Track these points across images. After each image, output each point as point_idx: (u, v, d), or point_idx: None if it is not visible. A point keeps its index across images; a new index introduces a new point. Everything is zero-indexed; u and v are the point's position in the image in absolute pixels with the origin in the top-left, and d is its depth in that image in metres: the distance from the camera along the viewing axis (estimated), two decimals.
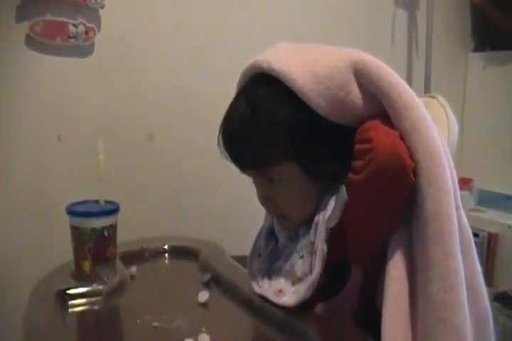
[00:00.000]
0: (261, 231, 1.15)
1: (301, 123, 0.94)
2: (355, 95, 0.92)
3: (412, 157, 0.85)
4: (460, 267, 0.86)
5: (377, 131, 0.85)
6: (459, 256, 0.86)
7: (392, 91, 0.88)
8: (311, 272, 0.96)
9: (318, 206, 0.99)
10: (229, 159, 1.03)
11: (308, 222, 1.00)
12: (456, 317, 0.84)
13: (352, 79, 0.91)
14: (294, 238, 1.04)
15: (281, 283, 1.01)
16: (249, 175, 1.03)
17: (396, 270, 0.88)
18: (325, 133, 0.94)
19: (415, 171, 0.85)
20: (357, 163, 0.85)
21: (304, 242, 1.00)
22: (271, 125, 0.94)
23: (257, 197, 1.05)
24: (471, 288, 0.89)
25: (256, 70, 0.99)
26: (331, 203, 0.96)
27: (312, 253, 0.96)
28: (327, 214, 0.95)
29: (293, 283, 0.99)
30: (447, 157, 0.90)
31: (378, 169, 0.82)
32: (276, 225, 1.11)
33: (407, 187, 0.85)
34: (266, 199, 1.02)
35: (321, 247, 0.95)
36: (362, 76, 0.91)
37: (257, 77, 0.99)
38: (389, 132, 0.85)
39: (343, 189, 0.92)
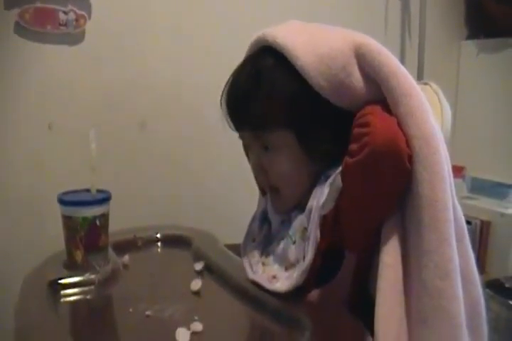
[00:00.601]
0: (255, 215, 1.15)
1: (303, 96, 0.95)
2: (356, 78, 0.92)
3: (408, 144, 0.84)
4: (455, 255, 0.85)
5: (375, 116, 0.85)
6: (454, 244, 0.86)
7: (391, 77, 0.88)
8: (303, 258, 0.96)
9: (312, 191, 0.99)
10: (229, 121, 1.05)
11: (301, 208, 1.00)
12: (451, 305, 0.84)
13: (353, 61, 0.92)
14: (287, 222, 1.04)
15: (274, 268, 1.01)
16: (245, 139, 1.04)
17: (389, 256, 0.88)
18: (325, 111, 0.95)
19: (411, 158, 0.84)
20: (353, 147, 0.85)
21: (296, 227, 1.00)
22: (274, 91, 0.96)
23: (251, 168, 1.06)
24: (464, 275, 0.89)
25: (262, 43, 1.00)
26: (325, 190, 0.96)
27: (305, 239, 0.96)
28: (321, 201, 0.95)
29: (286, 269, 0.99)
30: (443, 144, 0.89)
31: (373, 153, 0.82)
32: (269, 208, 1.11)
33: (403, 173, 0.85)
34: (259, 169, 1.03)
35: (314, 233, 0.95)
36: (363, 60, 0.91)
37: (265, 49, 0.99)
38: (386, 118, 0.85)
39: (338, 177, 0.92)
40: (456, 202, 0.92)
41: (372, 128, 0.83)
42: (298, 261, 0.97)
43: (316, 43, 0.94)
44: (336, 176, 0.94)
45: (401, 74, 0.89)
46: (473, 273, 0.93)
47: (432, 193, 0.84)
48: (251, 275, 1.03)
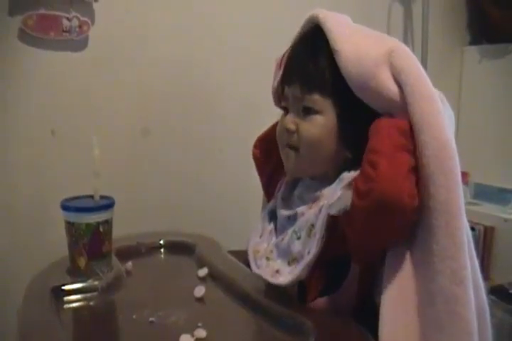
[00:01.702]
0: (264, 215, 1.17)
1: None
2: (381, 79, 0.95)
3: (421, 153, 0.87)
4: (468, 261, 0.86)
5: (386, 158, 0.87)
6: (467, 251, 0.86)
7: (413, 82, 0.92)
8: (308, 253, 0.96)
9: (325, 182, 1.02)
10: (283, 76, 1.09)
11: (309, 206, 1.02)
12: (467, 312, 0.85)
13: (384, 64, 0.96)
14: (293, 218, 1.06)
15: (277, 263, 1.03)
16: (288, 100, 1.06)
17: (396, 264, 0.88)
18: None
19: (417, 198, 0.86)
20: (359, 185, 0.88)
21: (303, 223, 1.01)
22: (328, 64, 0.99)
23: (281, 124, 1.08)
24: (472, 280, 0.90)
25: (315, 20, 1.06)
26: (338, 192, 0.96)
27: (311, 235, 0.97)
28: (331, 201, 0.95)
29: (289, 263, 1.01)
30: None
31: (377, 203, 0.84)
32: (278, 204, 1.12)
33: (407, 222, 0.87)
34: (290, 124, 1.04)
35: (321, 231, 0.96)
36: (392, 63, 0.95)
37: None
38: (397, 162, 0.87)
39: (351, 180, 0.93)
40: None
41: (379, 175, 0.85)
42: (302, 256, 0.98)
43: (358, 38, 1.00)
44: (348, 183, 0.96)
45: (422, 81, 0.93)
46: (479, 279, 0.94)
47: (448, 198, 0.85)
48: (255, 270, 1.06)
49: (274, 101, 1.17)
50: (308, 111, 1.02)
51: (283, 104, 1.09)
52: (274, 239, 1.10)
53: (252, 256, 1.10)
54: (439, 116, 0.89)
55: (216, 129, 2.00)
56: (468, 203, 2.35)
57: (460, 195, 0.87)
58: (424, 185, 0.87)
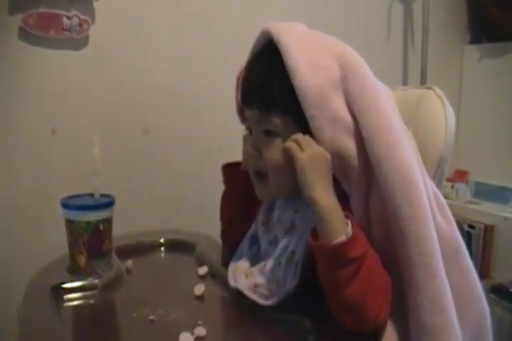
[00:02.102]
0: (245, 238, 1.15)
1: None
2: (336, 107, 0.93)
3: (384, 187, 0.88)
4: (447, 286, 0.86)
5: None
6: (444, 275, 0.86)
7: (369, 114, 0.91)
8: (286, 281, 0.96)
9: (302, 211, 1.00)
10: (241, 99, 1.06)
11: (288, 229, 1.01)
12: (451, 338, 0.85)
13: (339, 90, 0.94)
14: (274, 243, 1.05)
15: (258, 280, 1.00)
16: (250, 121, 1.04)
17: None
18: None
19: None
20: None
21: (283, 249, 0.99)
22: (283, 83, 0.95)
23: (244, 149, 1.06)
24: (464, 294, 0.91)
25: (267, 35, 1.02)
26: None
27: (291, 262, 0.96)
28: (309, 227, 0.94)
29: (269, 290, 0.98)
30: (423, 174, 0.92)
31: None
32: (260, 229, 1.11)
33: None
34: (254, 150, 1.02)
35: (300, 259, 0.95)
36: (349, 89, 0.93)
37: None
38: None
39: None
40: (443, 223, 0.93)
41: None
42: (284, 282, 0.96)
43: (313, 54, 0.96)
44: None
45: (377, 110, 0.91)
46: (474, 290, 0.94)
47: (418, 229, 0.85)
48: (232, 284, 1.03)
49: (240, 120, 1.15)
50: (269, 134, 0.99)
51: (245, 124, 1.08)
52: (255, 263, 1.07)
53: (231, 273, 1.06)
54: (398, 146, 0.88)
55: (216, 129, 2.00)
56: (468, 202, 2.36)
57: (429, 223, 0.87)
58: (391, 220, 0.88)
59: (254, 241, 1.13)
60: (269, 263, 1.01)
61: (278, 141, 0.98)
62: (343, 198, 0.93)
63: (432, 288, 0.84)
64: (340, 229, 0.85)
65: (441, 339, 0.84)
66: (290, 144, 0.93)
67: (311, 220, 0.93)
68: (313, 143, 0.91)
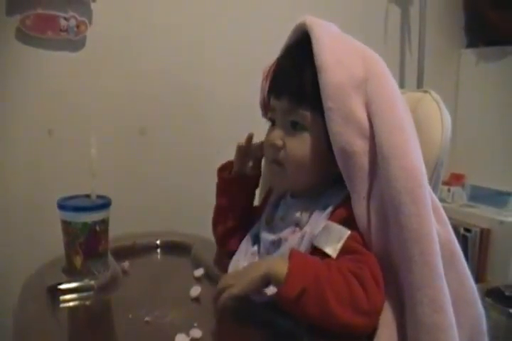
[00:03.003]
0: (247, 236, 1.15)
1: None
2: (355, 104, 0.95)
3: (389, 184, 0.89)
4: (445, 286, 0.86)
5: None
6: (443, 275, 0.87)
7: (384, 115, 0.93)
8: None
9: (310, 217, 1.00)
10: (271, 87, 1.07)
11: (293, 231, 1.02)
12: (448, 337, 0.85)
13: (360, 89, 0.96)
14: (277, 243, 1.05)
15: None
16: (276, 113, 1.05)
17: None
18: None
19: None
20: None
21: (286, 250, 0.98)
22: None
23: (267, 139, 1.06)
24: (459, 296, 0.90)
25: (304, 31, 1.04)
26: (321, 223, 0.97)
27: None
28: (315, 231, 0.95)
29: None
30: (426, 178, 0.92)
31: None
32: (262, 228, 1.11)
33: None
34: (278, 140, 1.03)
35: None
36: (368, 90, 0.96)
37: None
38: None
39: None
40: (439, 227, 0.93)
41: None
42: None
43: (342, 53, 0.98)
44: (332, 211, 0.97)
45: (393, 111, 0.94)
46: (470, 293, 0.94)
47: (420, 227, 0.86)
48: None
49: (262, 112, 1.17)
50: (296, 126, 1.01)
51: (269, 115, 1.08)
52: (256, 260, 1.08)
53: (232, 268, 1.08)
54: (407, 146, 0.90)
55: (214, 130, 2.01)
56: (464, 205, 2.36)
57: (431, 222, 0.87)
58: (395, 216, 0.88)
59: (256, 239, 1.13)
60: None
61: (305, 135, 1.00)
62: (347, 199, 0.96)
63: (432, 287, 0.85)
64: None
65: (439, 338, 0.84)
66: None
67: (317, 222, 0.94)
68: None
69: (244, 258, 1.10)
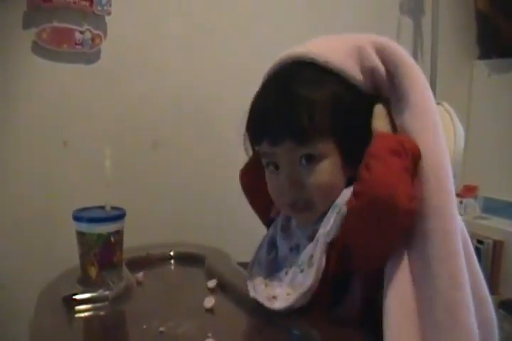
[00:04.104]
0: (262, 242, 1.13)
1: (344, 99, 0.96)
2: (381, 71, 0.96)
3: (414, 185, 0.87)
4: (465, 268, 0.86)
5: (381, 161, 0.87)
6: (463, 258, 0.86)
7: (411, 93, 0.94)
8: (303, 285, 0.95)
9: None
10: (259, 136, 0.99)
11: (310, 236, 1.00)
12: (467, 319, 0.84)
13: (376, 58, 0.96)
14: (295, 250, 1.03)
15: (276, 291, 0.99)
16: (278, 155, 0.97)
17: (396, 272, 0.88)
18: (364, 112, 0.97)
19: (415, 200, 0.87)
20: (355, 188, 0.89)
21: (304, 256, 0.98)
22: (317, 97, 0.94)
23: (278, 183, 0.99)
24: (473, 297, 0.88)
25: (291, 59, 1.00)
26: (332, 219, 0.96)
27: (310, 265, 0.96)
28: (327, 228, 0.95)
29: (288, 294, 0.97)
30: (448, 159, 0.92)
31: (370, 202, 0.85)
32: (279, 234, 1.09)
33: (401, 224, 0.87)
34: (294, 182, 0.97)
35: (319, 260, 0.94)
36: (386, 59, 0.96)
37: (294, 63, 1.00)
38: (391, 164, 0.86)
39: (344, 206, 0.93)
40: (462, 225, 0.93)
41: (372, 178, 0.85)
42: (301, 287, 0.96)
43: (339, 45, 0.99)
44: (342, 206, 0.94)
45: (421, 89, 0.94)
46: (482, 291, 0.93)
47: (441, 203, 0.86)
48: (252, 294, 1.01)
49: (248, 151, 1.13)
50: (310, 158, 0.95)
51: (265, 160, 1.02)
52: (273, 269, 1.06)
53: (250, 283, 1.04)
54: (434, 125, 0.91)
55: (226, 142, 2.01)
56: (477, 217, 2.35)
57: (453, 200, 0.87)
58: (417, 191, 0.88)
59: (273, 245, 1.10)
60: (290, 271, 1.00)
61: (323, 163, 0.95)
62: None
63: (452, 263, 0.84)
64: None
65: (455, 318, 0.83)
66: None
67: (329, 222, 0.95)
68: None
69: (262, 265, 1.08)
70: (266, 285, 1.03)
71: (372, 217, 0.86)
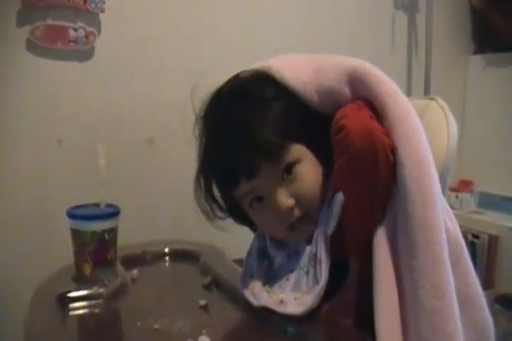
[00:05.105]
0: (250, 251, 1.11)
1: (297, 111, 0.97)
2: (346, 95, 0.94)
3: (397, 173, 0.87)
4: (451, 276, 0.86)
5: (347, 118, 0.87)
6: (448, 266, 0.86)
7: (388, 99, 0.90)
8: (317, 282, 0.94)
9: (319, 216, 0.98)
10: (234, 179, 1.00)
11: (308, 239, 0.99)
12: (450, 326, 0.84)
13: (346, 85, 0.94)
14: (294, 256, 1.02)
15: (281, 296, 0.98)
16: (260, 181, 0.97)
17: (383, 277, 0.89)
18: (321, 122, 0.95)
19: (392, 149, 0.87)
20: (337, 153, 0.89)
21: (306, 258, 0.98)
22: (277, 109, 0.97)
23: (269, 212, 0.98)
24: (463, 297, 0.89)
25: (253, 72, 1.06)
26: (329, 215, 0.94)
27: (316, 264, 0.95)
28: (324, 224, 0.95)
29: (295, 298, 0.96)
30: (434, 168, 0.91)
31: (355, 153, 0.85)
32: (270, 245, 1.07)
33: (387, 164, 0.87)
34: (289, 199, 0.96)
35: (325, 258, 0.93)
36: (359, 82, 0.92)
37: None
38: (358, 116, 0.88)
39: (337, 197, 0.92)
40: (450, 225, 0.92)
41: (347, 130, 0.85)
42: (310, 288, 0.95)
43: (306, 68, 0.97)
44: (335, 200, 0.93)
45: (398, 96, 0.91)
46: (475, 296, 0.93)
47: (425, 214, 0.86)
48: (256, 303, 0.99)
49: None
50: (290, 167, 0.95)
51: (247, 201, 1.01)
52: (269, 278, 1.04)
53: (249, 292, 1.01)
54: (416, 132, 0.89)
55: None
56: (472, 212, 2.36)
57: (438, 211, 0.86)
58: (401, 204, 0.88)
59: (263, 255, 1.08)
60: (292, 277, 0.99)
61: (304, 163, 0.96)
62: None
63: (435, 273, 0.84)
64: None
65: (438, 324, 0.84)
66: None
67: (327, 217, 0.94)
68: None
69: (256, 276, 1.05)
70: (268, 292, 1.01)
71: (359, 166, 0.86)
